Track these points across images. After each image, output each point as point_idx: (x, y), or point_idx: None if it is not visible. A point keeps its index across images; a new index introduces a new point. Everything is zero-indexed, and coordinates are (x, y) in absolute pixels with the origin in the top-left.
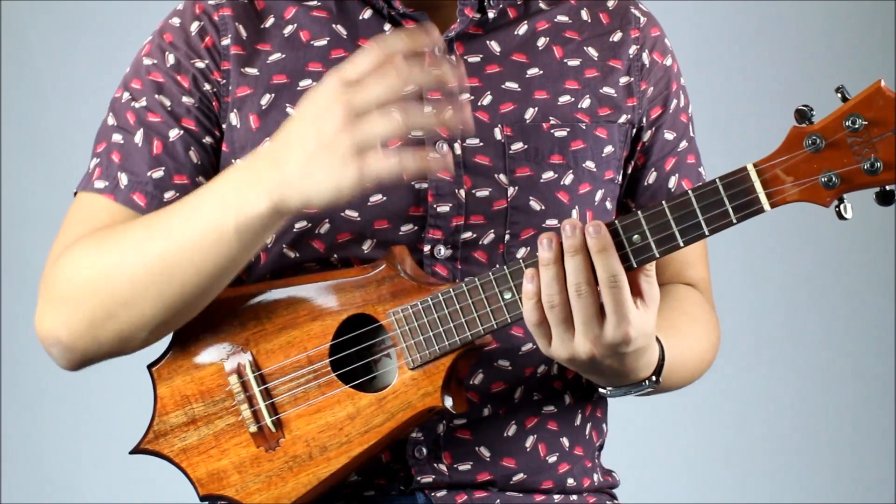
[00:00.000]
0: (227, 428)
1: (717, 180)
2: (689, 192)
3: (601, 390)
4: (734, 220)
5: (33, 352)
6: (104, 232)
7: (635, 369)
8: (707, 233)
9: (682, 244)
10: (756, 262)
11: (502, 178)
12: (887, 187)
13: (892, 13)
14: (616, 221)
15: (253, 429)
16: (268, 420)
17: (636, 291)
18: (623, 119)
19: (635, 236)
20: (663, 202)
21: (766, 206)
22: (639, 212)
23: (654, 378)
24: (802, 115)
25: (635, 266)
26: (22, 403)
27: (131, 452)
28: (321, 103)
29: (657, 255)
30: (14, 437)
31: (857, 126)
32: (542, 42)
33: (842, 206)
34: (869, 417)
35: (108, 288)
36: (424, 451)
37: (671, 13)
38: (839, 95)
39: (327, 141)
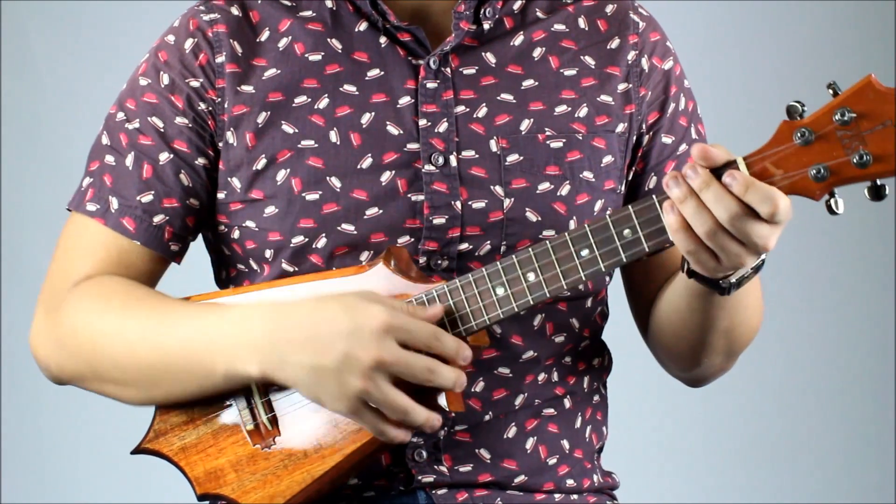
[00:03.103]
0: (224, 426)
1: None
2: None
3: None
4: None
5: None
6: (107, 298)
7: None
8: None
9: (670, 238)
10: None
11: (498, 189)
12: (878, 181)
13: (892, 13)
14: (607, 216)
15: (249, 426)
16: (264, 417)
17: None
18: (621, 128)
19: (626, 231)
20: (653, 196)
21: None
22: (629, 206)
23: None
24: (793, 110)
25: (625, 261)
26: (22, 403)
27: (133, 452)
28: (361, 341)
29: (647, 249)
30: (14, 437)
31: (846, 119)
32: (538, 53)
33: (832, 201)
34: (869, 417)
35: (99, 363)
36: (424, 454)
37: (672, 11)
38: (830, 91)
39: (343, 385)
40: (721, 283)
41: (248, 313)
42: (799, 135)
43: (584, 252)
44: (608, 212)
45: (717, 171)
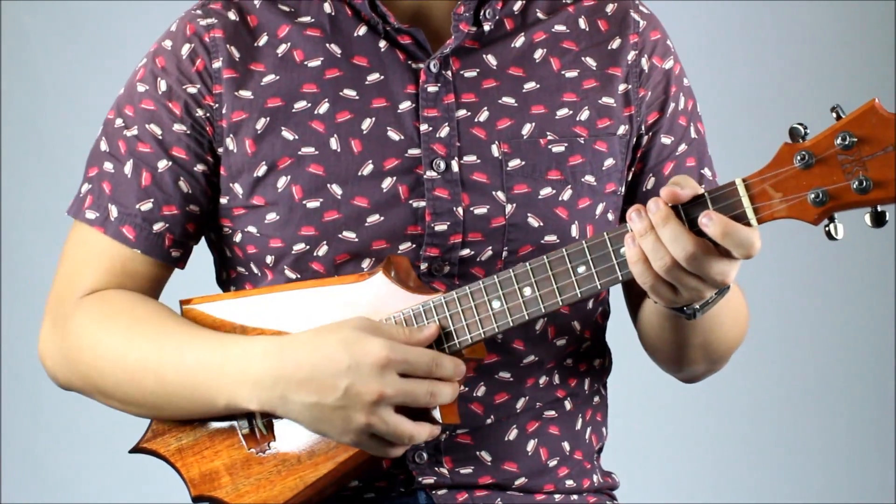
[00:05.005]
0: (221, 429)
1: (705, 193)
2: (679, 206)
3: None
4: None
5: (33, 352)
6: (111, 319)
7: None
8: None
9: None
10: (753, 262)
11: (500, 195)
12: (879, 207)
13: (892, 15)
14: (605, 234)
15: (245, 431)
16: (259, 422)
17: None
18: (622, 130)
19: (623, 249)
20: None
21: (753, 220)
22: (628, 225)
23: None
24: (795, 132)
25: (622, 279)
26: (22, 403)
27: (131, 451)
28: (361, 378)
29: None
30: (14, 437)
31: (848, 143)
32: (539, 54)
33: (832, 226)
34: (869, 417)
35: (103, 384)
36: (425, 455)
37: (675, 17)
38: (834, 114)
39: (347, 421)
40: (685, 309)
41: (248, 349)
42: (799, 157)
43: (581, 269)
44: (605, 230)
45: (691, 209)
